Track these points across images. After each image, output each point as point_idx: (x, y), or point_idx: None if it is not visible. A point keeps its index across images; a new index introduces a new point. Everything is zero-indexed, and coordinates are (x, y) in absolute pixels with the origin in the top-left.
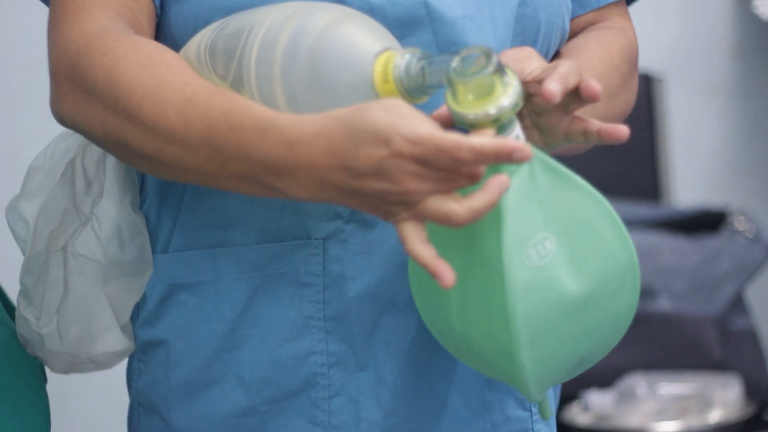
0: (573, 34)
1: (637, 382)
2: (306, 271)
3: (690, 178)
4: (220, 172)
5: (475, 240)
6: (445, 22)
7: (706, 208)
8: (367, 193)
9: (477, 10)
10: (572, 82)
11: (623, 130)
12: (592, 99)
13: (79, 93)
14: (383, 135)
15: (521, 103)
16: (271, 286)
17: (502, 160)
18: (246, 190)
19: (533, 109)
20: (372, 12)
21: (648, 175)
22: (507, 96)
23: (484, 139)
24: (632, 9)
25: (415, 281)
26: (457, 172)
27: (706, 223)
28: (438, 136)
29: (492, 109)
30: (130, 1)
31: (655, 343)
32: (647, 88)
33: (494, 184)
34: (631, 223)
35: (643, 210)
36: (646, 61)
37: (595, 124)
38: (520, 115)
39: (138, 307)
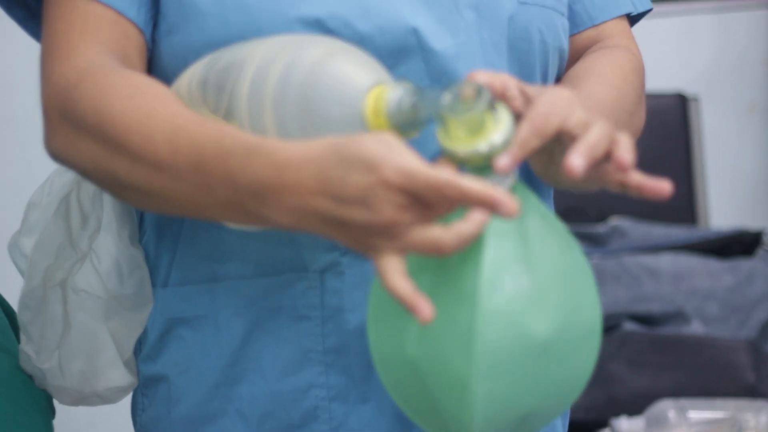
0: (574, 55)
1: (668, 408)
2: (304, 304)
3: (725, 200)
4: (206, 200)
5: (447, 261)
6: (435, 51)
7: (742, 231)
8: (349, 222)
9: (467, 36)
10: (600, 151)
11: (665, 187)
12: (621, 170)
13: (68, 128)
14: (373, 163)
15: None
16: (269, 319)
17: (486, 209)
18: (232, 219)
19: (560, 150)
20: (362, 41)
21: (683, 197)
22: (498, 132)
23: (474, 184)
24: (664, 28)
25: (376, 303)
26: (441, 206)
27: (741, 245)
28: (428, 172)
29: (483, 146)
30: (120, 36)
31: (687, 367)
32: (682, 108)
33: (478, 218)
34: (665, 246)
35: (677, 232)
36: (680, 81)
37: (635, 178)
38: (552, 156)
39: (140, 342)
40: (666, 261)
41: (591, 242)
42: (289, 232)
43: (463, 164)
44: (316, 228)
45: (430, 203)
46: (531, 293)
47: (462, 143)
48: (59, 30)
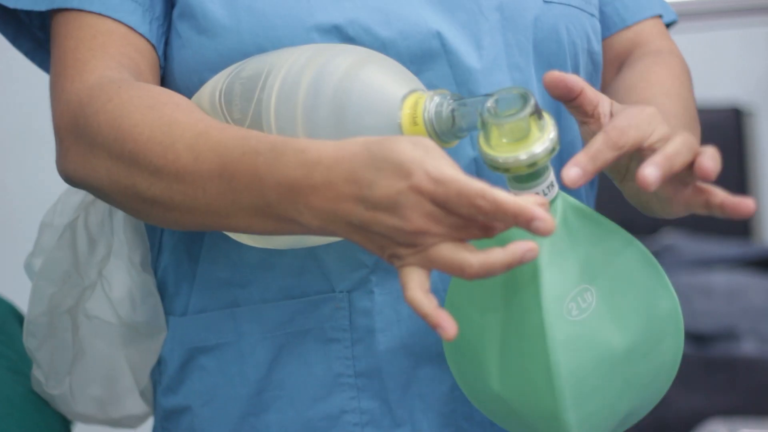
0: (613, 58)
1: (718, 429)
2: (332, 326)
3: None
4: (231, 207)
5: (512, 297)
6: (460, 54)
7: None
8: (376, 228)
9: (491, 39)
10: (679, 163)
11: (749, 205)
12: (705, 179)
13: (82, 145)
14: (406, 167)
15: (557, 149)
16: (295, 344)
17: (521, 224)
18: (257, 227)
19: None
20: (384, 47)
21: None
22: (542, 141)
23: (508, 196)
24: (720, 41)
25: (451, 346)
26: (473, 222)
27: None
28: (462, 180)
29: (523, 155)
30: (131, 51)
31: (738, 387)
32: (737, 121)
33: (520, 248)
34: (719, 262)
35: (732, 248)
36: (735, 94)
37: (719, 196)
38: (624, 176)
39: (159, 374)
40: (719, 279)
41: None
42: (313, 250)
43: (504, 173)
44: (341, 232)
45: (461, 215)
46: (598, 307)
47: (504, 151)
48: (68, 48)
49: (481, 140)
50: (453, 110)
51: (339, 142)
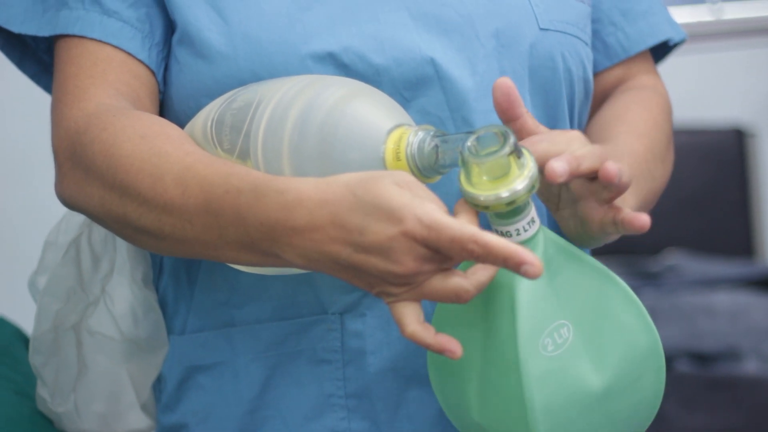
0: (601, 93)
1: None
2: (324, 348)
3: None
4: (218, 241)
5: (491, 329)
6: (455, 80)
7: None
8: (366, 270)
9: (487, 65)
10: (585, 165)
11: (643, 220)
12: (610, 183)
13: (78, 173)
14: (397, 214)
15: (537, 186)
16: (288, 364)
17: (510, 267)
18: (246, 260)
19: (570, 197)
20: (378, 74)
21: (740, 232)
22: (522, 179)
23: (499, 240)
24: (722, 62)
25: (435, 373)
26: (462, 258)
27: None
28: (455, 226)
29: (504, 193)
30: (130, 79)
31: (741, 407)
32: (739, 142)
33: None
34: (722, 282)
35: (734, 268)
36: (737, 115)
37: (621, 211)
38: (557, 205)
39: (159, 391)
40: (722, 298)
41: (644, 278)
42: (307, 273)
43: (484, 211)
44: (328, 270)
45: (452, 257)
46: (575, 343)
47: (484, 189)
48: (69, 74)
49: (462, 178)
50: (436, 146)
51: (319, 182)
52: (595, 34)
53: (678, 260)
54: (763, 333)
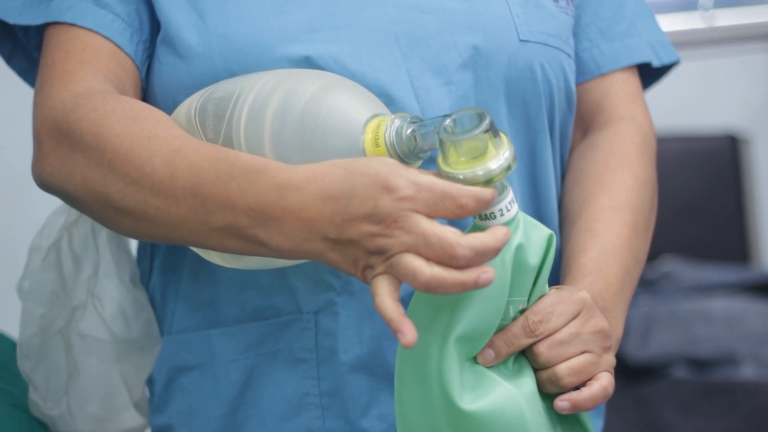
0: (582, 107)
1: None
2: (300, 347)
3: None
4: (203, 226)
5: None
6: (429, 88)
7: None
8: (352, 239)
9: (461, 75)
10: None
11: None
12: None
13: (63, 149)
14: (383, 179)
15: (513, 167)
16: (267, 364)
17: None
18: (228, 246)
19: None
20: (353, 79)
21: (735, 238)
22: (497, 159)
23: (486, 190)
24: (716, 68)
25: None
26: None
27: None
28: (443, 182)
29: (480, 170)
30: (117, 68)
31: (738, 412)
32: (733, 149)
33: (475, 270)
34: (718, 288)
35: (730, 274)
36: (731, 122)
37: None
38: None
39: (151, 392)
40: (718, 304)
41: (641, 285)
42: (282, 273)
43: None
44: (315, 251)
45: (445, 216)
46: None
47: (461, 168)
48: (58, 58)
49: (440, 159)
50: (413, 131)
51: (310, 165)
52: None
53: (674, 267)
54: (759, 338)
